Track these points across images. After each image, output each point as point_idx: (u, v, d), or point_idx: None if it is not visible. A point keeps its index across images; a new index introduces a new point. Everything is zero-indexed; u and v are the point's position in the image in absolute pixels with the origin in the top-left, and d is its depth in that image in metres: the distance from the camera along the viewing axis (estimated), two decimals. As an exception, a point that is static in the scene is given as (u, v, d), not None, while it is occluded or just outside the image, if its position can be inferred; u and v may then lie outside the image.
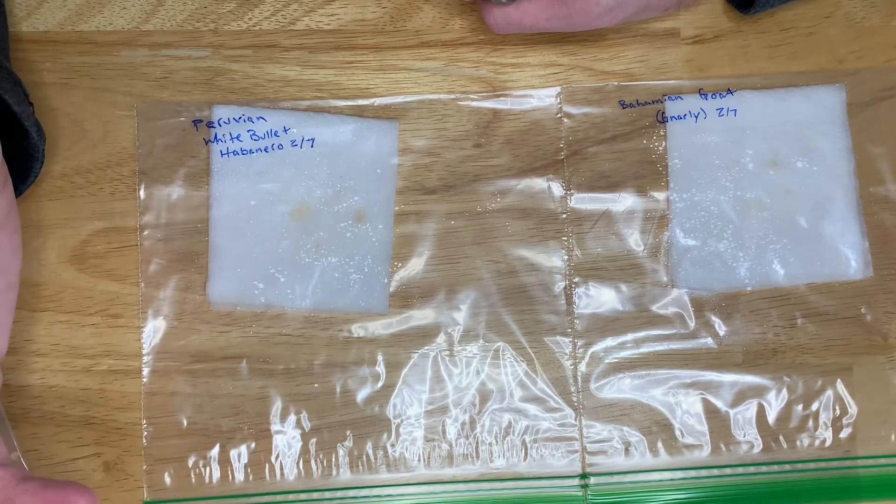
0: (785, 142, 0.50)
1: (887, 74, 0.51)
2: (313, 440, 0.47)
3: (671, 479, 0.48)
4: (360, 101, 0.49)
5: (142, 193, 0.48)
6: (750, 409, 0.49)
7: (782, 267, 0.50)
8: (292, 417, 0.47)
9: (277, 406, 0.47)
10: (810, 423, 0.49)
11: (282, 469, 0.47)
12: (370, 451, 0.47)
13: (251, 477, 0.47)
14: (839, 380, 0.49)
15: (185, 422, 0.47)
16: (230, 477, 0.47)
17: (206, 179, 0.48)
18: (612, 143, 0.50)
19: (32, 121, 0.43)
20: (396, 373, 0.48)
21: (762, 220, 0.50)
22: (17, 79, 0.43)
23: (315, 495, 0.47)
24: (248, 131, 0.48)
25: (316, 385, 0.48)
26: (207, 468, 0.47)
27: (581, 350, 0.49)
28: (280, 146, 0.48)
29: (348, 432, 0.47)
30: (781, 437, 0.49)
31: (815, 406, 0.49)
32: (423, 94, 0.50)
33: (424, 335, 0.48)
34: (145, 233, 0.48)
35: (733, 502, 0.48)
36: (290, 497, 0.47)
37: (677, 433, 0.48)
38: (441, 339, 0.48)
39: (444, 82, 0.50)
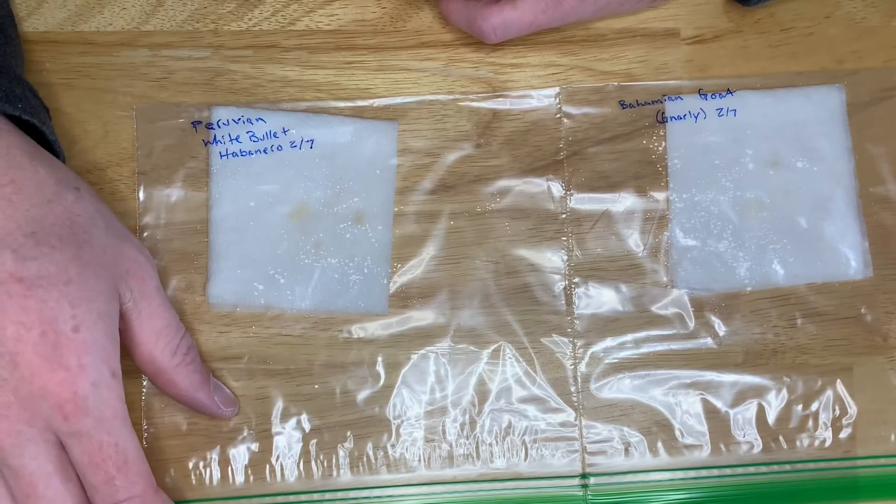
0: (785, 142, 0.50)
1: (887, 74, 0.51)
2: (314, 441, 0.47)
3: (671, 480, 0.48)
4: (360, 102, 0.49)
5: (141, 194, 0.48)
6: (750, 410, 0.49)
7: (782, 267, 0.50)
8: (292, 418, 0.47)
9: (278, 407, 0.47)
10: (810, 423, 0.49)
11: (282, 470, 0.47)
12: (370, 452, 0.47)
13: (251, 478, 0.47)
14: (839, 380, 0.49)
15: (185, 423, 0.47)
16: (230, 478, 0.47)
17: (205, 181, 0.48)
18: (612, 144, 0.50)
19: (55, 137, 0.44)
20: (396, 373, 0.48)
21: (762, 220, 0.50)
22: (43, 103, 0.44)
23: (316, 496, 0.47)
24: (247, 133, 0.48)
25: (316, 386, 0.48)
26: (208, 469, 0.47)
27: (581, 350, 0.49)
28: (279, 147, 0.48)
29: (348, 433, 0.47)
30: (781, 438, 0.49)
31: (814, 406, 0.49)
32: (422, 94, 0.50)
33: (424, 336, 0.48)
34: (145, 234, 0.48)
35: (733, 502, 0.48)
36: (291, 498, 0.47)
37: (677, 433, 0.48)
38: (440, 339, 0.48)
39: (443, 82, 0.50)
